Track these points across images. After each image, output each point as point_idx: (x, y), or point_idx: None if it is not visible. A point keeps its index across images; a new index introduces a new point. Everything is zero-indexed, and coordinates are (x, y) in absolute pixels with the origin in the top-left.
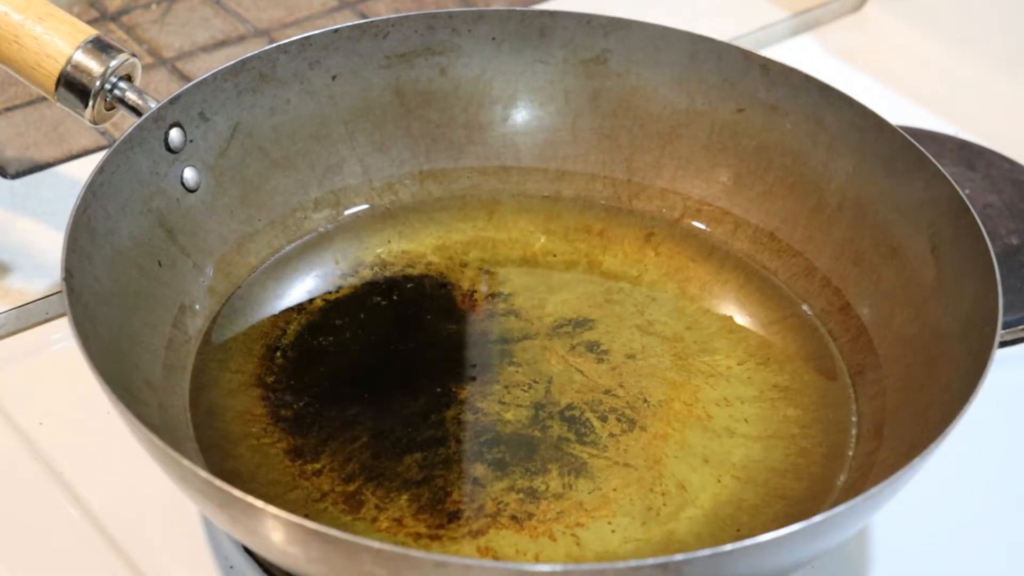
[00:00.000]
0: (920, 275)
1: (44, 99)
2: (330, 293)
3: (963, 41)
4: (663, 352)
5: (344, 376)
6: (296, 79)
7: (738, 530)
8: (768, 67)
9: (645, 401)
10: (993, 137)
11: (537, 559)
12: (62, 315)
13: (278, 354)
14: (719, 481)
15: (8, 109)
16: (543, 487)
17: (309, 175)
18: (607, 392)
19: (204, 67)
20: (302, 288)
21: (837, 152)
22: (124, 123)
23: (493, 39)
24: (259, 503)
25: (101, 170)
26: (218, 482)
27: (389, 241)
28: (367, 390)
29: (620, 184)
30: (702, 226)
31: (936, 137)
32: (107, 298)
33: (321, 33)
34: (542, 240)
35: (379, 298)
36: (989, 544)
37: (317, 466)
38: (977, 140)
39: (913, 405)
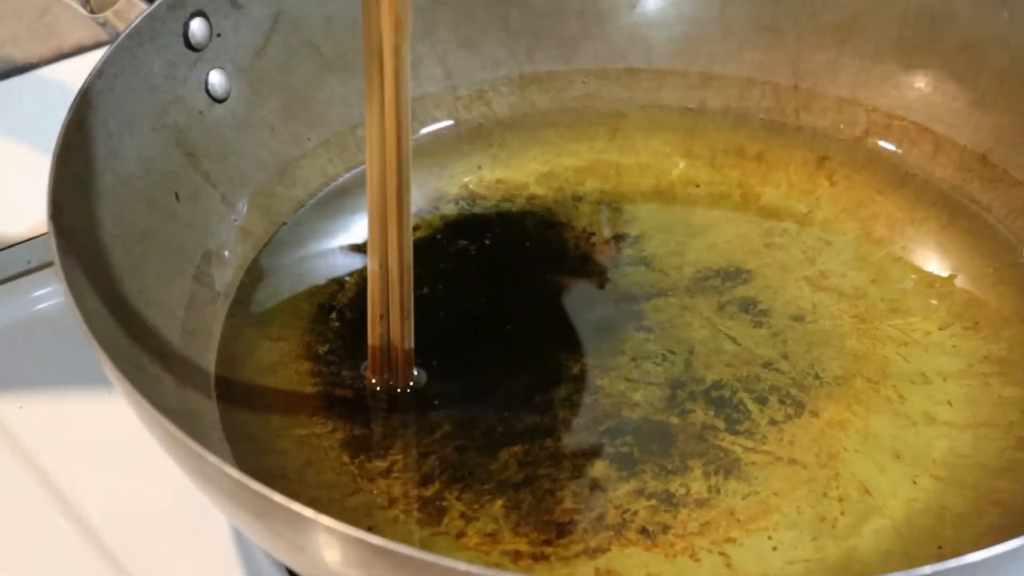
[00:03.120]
0: None
1: None
2: None
3: None
4: (840, 313)
5: (420, 345)
6: None
7: (939, 547)
8: None
9: (817, 378)
10: None
11: None
12: (49, 264)
13: (333, 316)
14: (914, 483)
15: None
16: (682, 491)
17: None
18: (767, 365)
19: None
20: (364, 229)
21: None
22: (131, 12)
23: None
24: (309, 512)
25: (101, 73)
26: (255, 484)
27: (479, 167)
28: (450, 364)
29: (784, 92)
30: (891, 147)
31: None
32: (108, 242)
33: None
34: (681, 166)
35: (466, 242)
36: None
37: (384, 464)
38: None
39: None
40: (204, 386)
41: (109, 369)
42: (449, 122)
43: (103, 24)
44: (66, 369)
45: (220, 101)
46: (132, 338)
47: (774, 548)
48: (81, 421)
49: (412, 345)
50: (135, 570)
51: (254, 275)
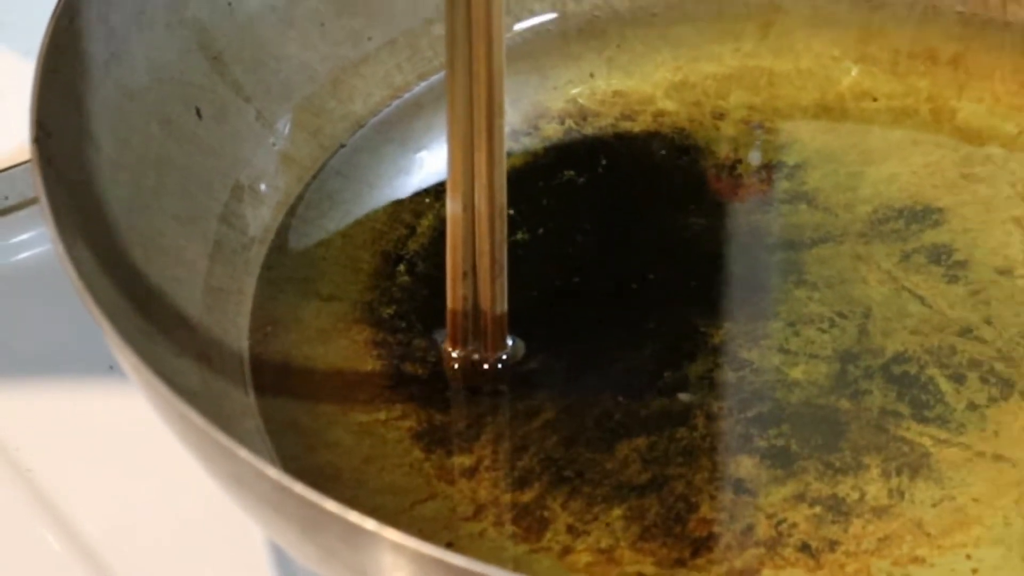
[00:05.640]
0: None
1: None
2: None
3: None
4: None
5: (514, 308)
6: None
7: None
8: None
9: None
10: None
11: None
12: (33, 201)
13: (402, 268)
14: None
15: None
16: (855, 496)
17: None
18: (965, 333)
19: None
20: (443, 156)
21: None
22: None
23: None
24: (371, 523)
25: None
26: (300, 487)
27: (592, 75)
28: (554, 332)
29: None
30: None
31: None
32: (109, 173)
33: None
34: (853, 73)
35: (574, 173)
36: None
37: (469, 460)
38: None
39: None
40: (235, 360)
41: (111, 336)
42: (553, 15)
43: None
44: (53, 337)
45: None
46: (140, 297)
47: (974, 570)
48: (73, 406)
49: (505, 308)
50: None
51: (299, 216)
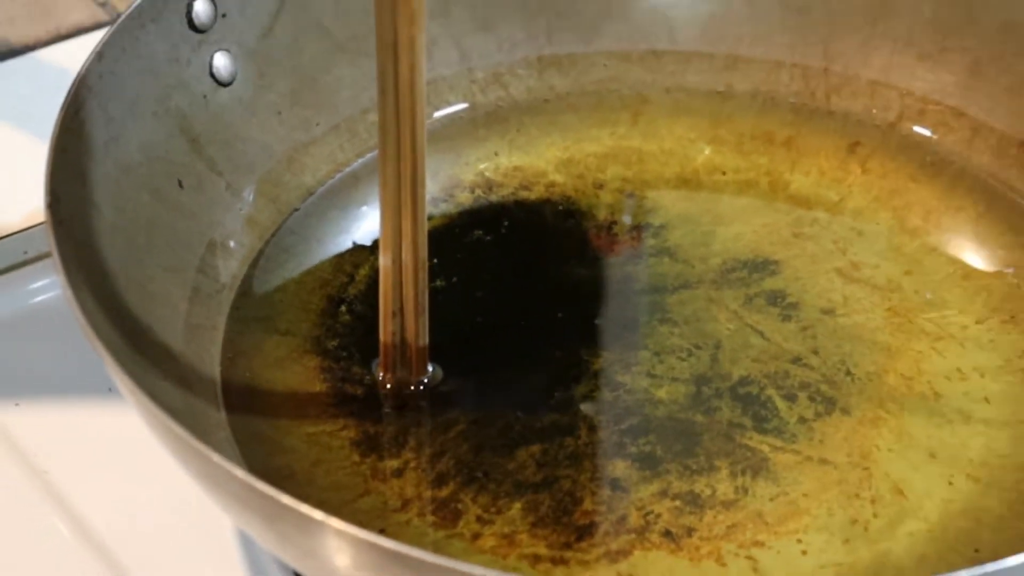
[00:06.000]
0: None
1: None
2: None
3: None
4: (872, 306)
5: (434, 340)
6: None
7: (976, 550)
8: None
9: (848, 373)
10: None
11: None
12: (47, 255)
13: (343, 309)
14: (950, 483)
15: None
16: (708, 492)
17: None
18: (796, 361)
19: None
20: (376, 219)
21: None
22: None
23: None
24: (318, 514)
25: (100, 56)
26: (262, 485)
27: (496, 154)
28: (466, 360)
29: (814, 75)
30: (927, 132)
31: None
32: (108, 232)
33: None
34: (706, 152)
35: (482, 232)
36: None
37: (397, 463)
38: None
39: None
40: (209, 383)
41: (110, 365)
42: (464, 106)
43: (103, 4)
44: (64, 365)
45: (225, 85)
46: (133, 333)
47: (804, 552)
48: (80, 420)
49: (426, 342)
50: (133, 570)
51: (260, 266)
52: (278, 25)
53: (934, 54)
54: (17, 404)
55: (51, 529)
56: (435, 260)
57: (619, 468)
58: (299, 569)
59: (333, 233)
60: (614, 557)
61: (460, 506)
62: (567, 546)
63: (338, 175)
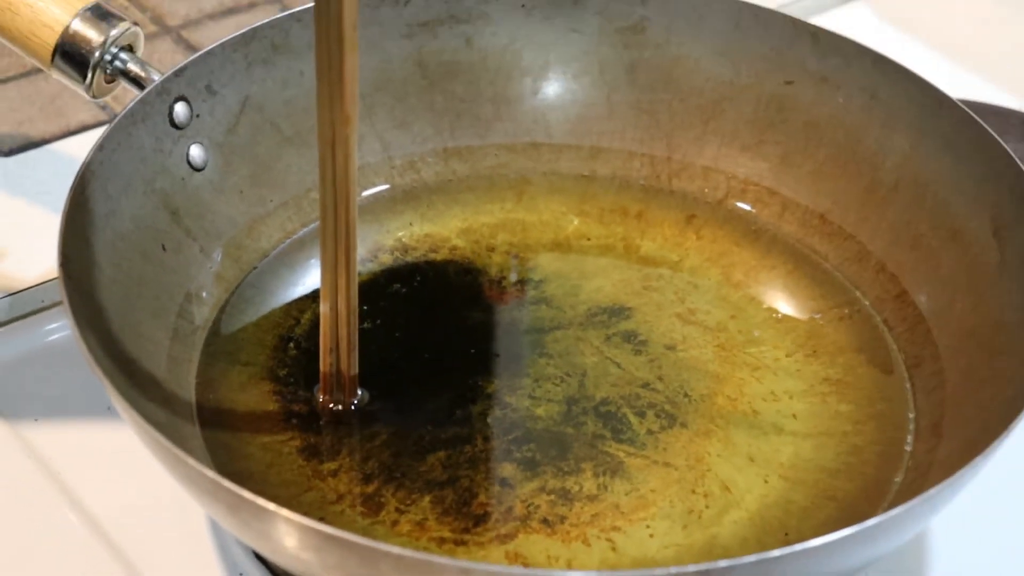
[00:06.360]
0: (982, 260)
1: (40, 71)
2: None
3: None
4: (705, 343)
5: (362, 369)
6: (310, 49)
7: (786, 534)
8: (818, 36)
9: (686, 396)
10: None
11: (570, 566)
12: (58, 304)
13: (292, 346)
14: (766, 482)
15: (1, 82)
16: (576, 488)
17: None
18: (645, 386)
19: (212, 36)
20: (318, 275)
21: (893, 128)
22: (126, 97)
23: (523, 6)
24: (271, 505)
25: (101, 147)
26: (227, 483)
27: (411, 224)
28: (387, 385)
29: (659, 162)
30: (747, 207)
31: (999, 111)
32: (107, 285)
33: None
34: (575, 223)
35: (400, 285)
36: None
37: (333, 466)
38: None
39: (975, 399)
40: (186, 403)
41: (108, 389)
42: (386, 186)
43: (103, 107)
44: (73, 389)
45: (199, 170)
46: (127, 364)
47: (651, 535)
48: (85, 432)
49: (356, 371)
50: (130, 551)
51: (227, 312)
52: (240, 124)
53: (753, 146)
54: (36, 420)
55: (63, 518)
56: (364, 307)
57: (507, 470)
58: (257, 549)
59: (284, 286)
60: (503, 539)
61: (382, 499)
62: (466, 531)
63: (287, 241)
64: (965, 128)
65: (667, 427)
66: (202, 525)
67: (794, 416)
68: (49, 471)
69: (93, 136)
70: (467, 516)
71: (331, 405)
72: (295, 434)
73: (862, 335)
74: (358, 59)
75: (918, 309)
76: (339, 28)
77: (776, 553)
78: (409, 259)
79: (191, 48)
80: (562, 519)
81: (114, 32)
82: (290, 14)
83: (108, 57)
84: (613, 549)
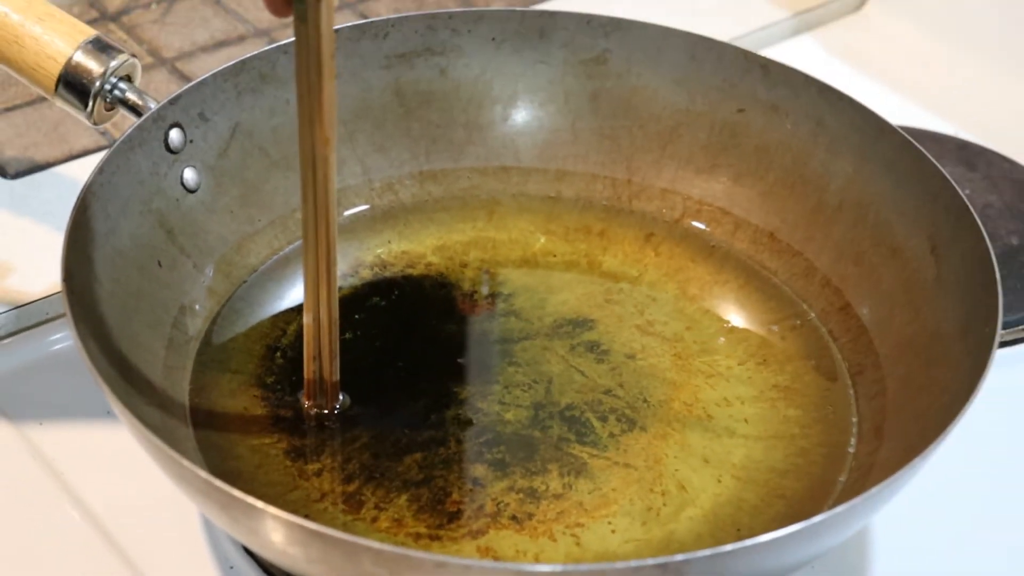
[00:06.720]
0: (920, 275)
1: (44, 99)
2: None
3: (964, 41)
4: (663, 352)
5: (344, 376)
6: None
7: (738, 530)
8: (768, 67)
9: (645, 401)
10: (993, 137)
11: (537, 559)
12: (62, 315)
13: (278, 355)
14: (719, 481)
15: (8, 109)
16: (543, 487)
17: None
18: (607, 392)
19: (204, 67)
20: (301, 289)
21: (837, 152)
22: (124, 123)
23: (493, 39)
24: (259, 503)
25: (101, 170)
26: (218, 482)
27: (389, 242)
28: (367, 391)
29: (620, 184)
30: (702, 226)
31: (936, 137)
32: (107, 299)
33: None
34: (542, 240)
35: (379, 299)
36: (990, 545)
37: (317, 466)
38: (977, 140)
39: (913, 405)
40: (180, 408)
41: (108, 395)
42: (366, 206)
43: (103, 132)
44: (75, 394)
45: (192, 192)
46: (125, 372)
47: (613, 531)
48: (87, 434)
49: (338, 378)
50: (127, 546)
51: (218, 324)
52: (230, 149)
53: (707, 169)
54: (40, 423)
55: (65, 514)
56: (344, 320)
57: (478, 470)
58: (246, 544)
59: (271, 300)
60: (475, 535)
61: (363, 498)
62: (440, 527)
63: (275, 257)
64: (905, 152)
65: (627, 430)
66: (195, 522)
67: (746, 420)
68: (52, 471)
69: (94, 160)
70: (441, 513)
71: (315, 410)
72: (281, 436)
73: (809, 345)
74: (335, 85)
75: (861, 321)
76: (318, 57)
77: (729, 548)
78: (387, 274)
79: (185, 78)
80: (530, 516)
81: (113, 63)
82: (277, 46)
83: (108, 87)
84: (577, 544)
